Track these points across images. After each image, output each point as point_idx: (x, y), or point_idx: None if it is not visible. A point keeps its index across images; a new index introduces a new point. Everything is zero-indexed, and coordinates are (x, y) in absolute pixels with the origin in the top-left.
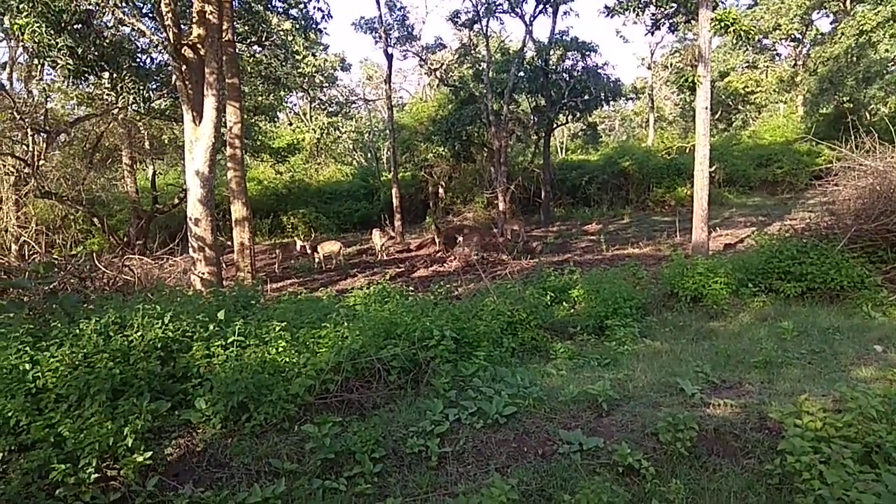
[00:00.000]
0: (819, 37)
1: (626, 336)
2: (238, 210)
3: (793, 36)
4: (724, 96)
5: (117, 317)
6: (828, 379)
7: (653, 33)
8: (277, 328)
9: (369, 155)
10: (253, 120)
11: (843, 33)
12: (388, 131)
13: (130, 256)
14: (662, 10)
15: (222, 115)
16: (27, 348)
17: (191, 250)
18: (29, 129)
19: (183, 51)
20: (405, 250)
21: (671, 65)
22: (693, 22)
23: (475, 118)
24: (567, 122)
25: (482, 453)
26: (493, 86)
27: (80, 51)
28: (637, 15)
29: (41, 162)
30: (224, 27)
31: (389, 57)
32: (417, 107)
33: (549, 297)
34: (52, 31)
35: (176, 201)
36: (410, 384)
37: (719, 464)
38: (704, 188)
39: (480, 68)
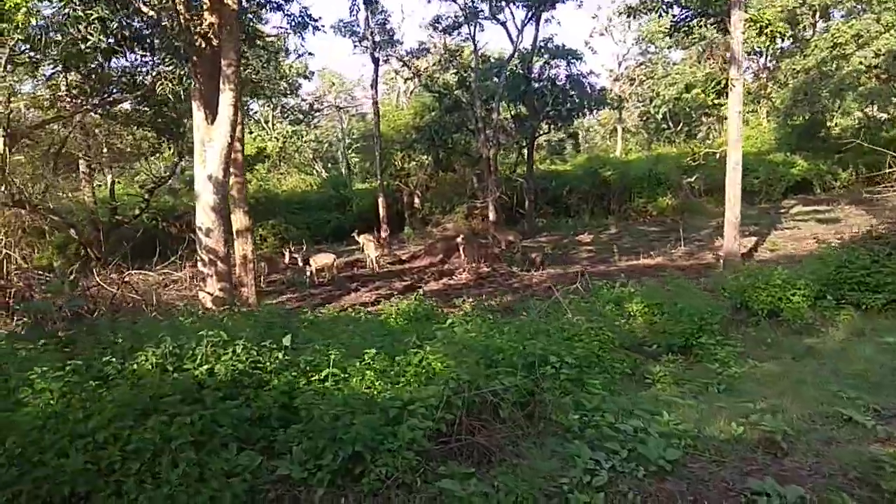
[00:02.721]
0: (780, 50)
1: (728, 357)
2: (240, 220)
3: (756, 50)
4: (688, 109)
5: (175, 346)
6: None
7: (671, 35)
8: (367, 357)
9: (330, 165)
10: None
11: (816, 45)
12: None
13: (130, 272)
14: (688, 10)
15: (238, 114)
16: (77, 390)
17: (200, 265)
18: None
19: (196, 41)
20: (397, 262)
21: (636, 78)
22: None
23: (461, 125)
24: (549, 132)
25: None
26: (479, 93)
27: (114, 25)
28: (659, 16)
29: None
30: None
31: (375, 61)
32: (393, 114)
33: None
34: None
35: (137, 212)
36: (525, 421)
37: None
38: (737, 195)
39: (465, 75)
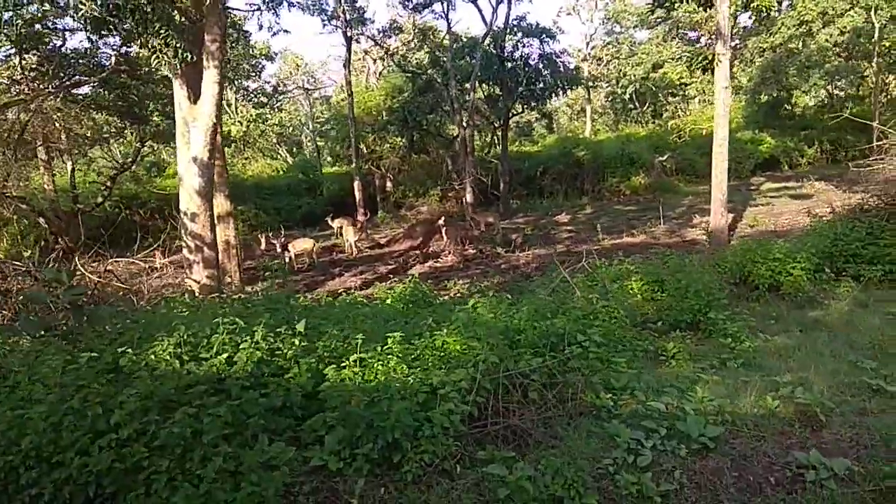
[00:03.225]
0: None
1: (739, 331)
2: (221, 204)
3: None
4: (655, 88)
5: (189, 335)
6: None
7: (653, 11)
8: (392, 341)
9: (296, 149)
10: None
11: (783, 23)
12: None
13: (115, 260)
14: None
15: (223, 91)
16: (93, 385)
17: (185, 251)
18: None
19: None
20: (375, 246)
21: (603, 58)
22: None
23: (435, 107)
24: (523, 112)
25: (705, 488)
26: (454, 72)
27: None
28: None
29: None
30: None
31: (348, 39)
32: (363, 96)
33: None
34: None
35: (99, 200)
36: (555, 402)
37: None
38: (724, 171)
39: (438, 54)
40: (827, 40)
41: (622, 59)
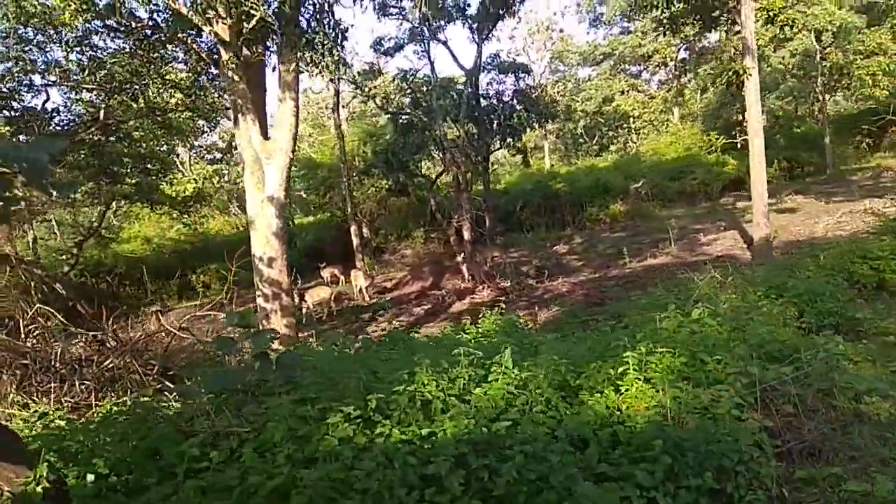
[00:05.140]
0: (694, 57)
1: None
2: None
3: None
4: (604, 121)
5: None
6: None
7: (665, 35)
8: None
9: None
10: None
11: (714, 55)
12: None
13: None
14: (692, 4)
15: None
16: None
17: (261, 300)
18: None
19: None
20: (383, 291)
21: (554, 94)
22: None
23: (422, 146)
24: (500, 147)
25: None
26: (440, 111)
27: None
28: (662, 12)
29: None
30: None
31: (337, 83)
32: (332, 144)
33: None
34: None
35: (66, 269)
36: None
37: None
38: (763, 182)
39: (419, 96)
40: (780, 62)
41: (569, 95)
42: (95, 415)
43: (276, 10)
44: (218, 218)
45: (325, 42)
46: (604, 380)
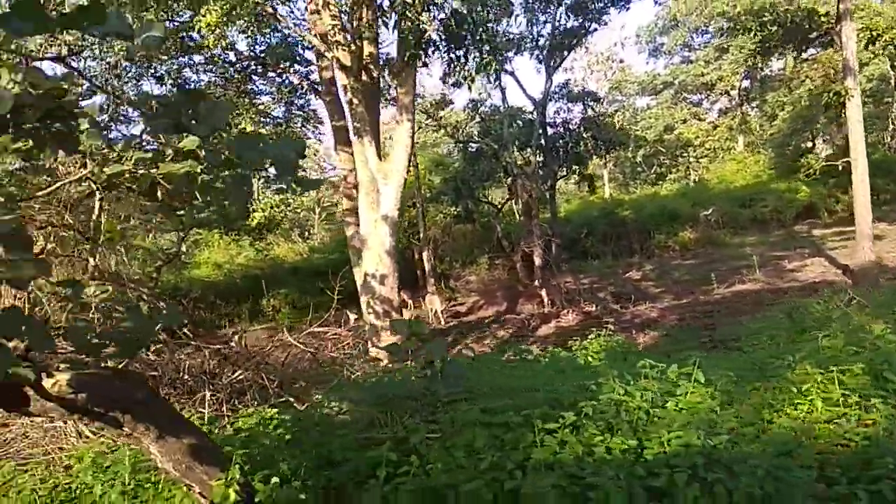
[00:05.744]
0: (759, 84)
1: None
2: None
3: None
4: (664, 150)
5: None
6: None
7: (762, 55)
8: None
9: (307, 232)
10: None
11: (807, 76)
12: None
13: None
14: (783, 28)
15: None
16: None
17: (372, 317)
18: None
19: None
20: (457, 315)
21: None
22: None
23: (490, 174)
24: (567, 175)
25: None
26: (511, 139)
27: None
28: (755, 35)
29: None
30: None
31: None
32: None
33: None
34: None
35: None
36: None
37: None
38: (867, 205)
39: (488, 124)
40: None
41: (627, 126)
42: (228, 426)
43: (438, 27)
44: (283, 245)
45: (483, 56)
46: (783, 398)
